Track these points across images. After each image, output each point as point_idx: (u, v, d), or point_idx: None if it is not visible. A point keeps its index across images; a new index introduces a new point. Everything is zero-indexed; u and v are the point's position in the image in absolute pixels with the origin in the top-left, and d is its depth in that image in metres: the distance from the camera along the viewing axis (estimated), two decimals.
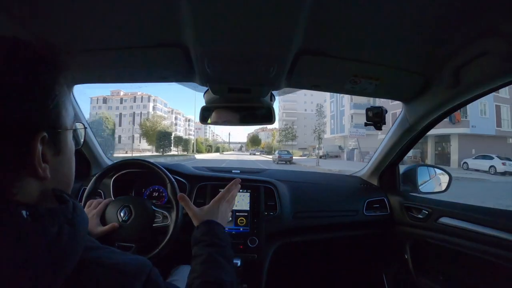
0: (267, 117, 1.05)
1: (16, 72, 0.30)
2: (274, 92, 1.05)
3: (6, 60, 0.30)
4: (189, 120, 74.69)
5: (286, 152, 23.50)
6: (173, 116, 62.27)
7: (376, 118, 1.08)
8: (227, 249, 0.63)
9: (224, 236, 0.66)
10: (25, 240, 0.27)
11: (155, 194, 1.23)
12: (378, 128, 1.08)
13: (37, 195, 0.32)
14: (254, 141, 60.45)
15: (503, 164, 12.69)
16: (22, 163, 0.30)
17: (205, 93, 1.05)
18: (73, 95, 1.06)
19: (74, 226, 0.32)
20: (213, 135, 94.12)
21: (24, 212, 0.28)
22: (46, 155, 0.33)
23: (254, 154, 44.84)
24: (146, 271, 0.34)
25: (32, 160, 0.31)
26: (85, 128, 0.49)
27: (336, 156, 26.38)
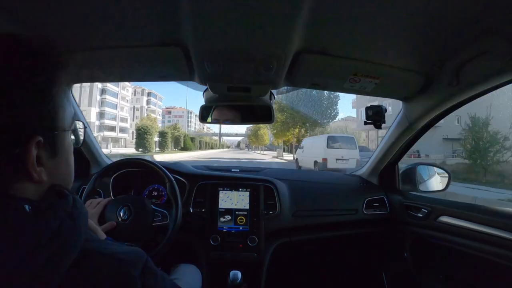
0: (267, 116, 1.05)
1: (10, 72, 0.29)
2: (274, 91, 1.05)
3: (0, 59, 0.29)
4: (148, 94, 50.30)
5: None
6: None
7: (376, 117, 1.08)
8: None
9: None
10: (28, 233, 0.27)
11: (155, 193, 1.23)
12: (378, 127, 1.07)
13: (35, 195, 0.32)
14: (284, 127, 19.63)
15: None
16: (16, 168, 0.30)
17: (204, 91, 1.05)
18: (72, 94, 1.06)
19: (74, 220, 0.32)
20: (201, 126, 71.23)
21: (26, 206, 0.29)
22: (42, 158, 0.32)
23: None
24: (143, 260, 0.35)
25: (26, 165, 0.30)
26: (85, 127, 0.48)
27: None
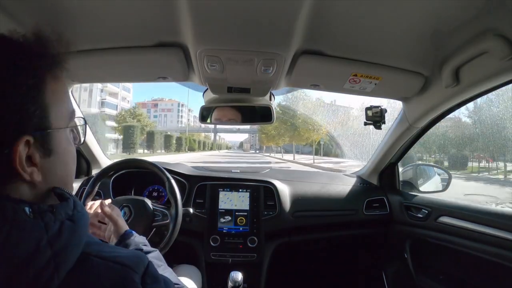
0: (267, 116, 1.06)
1: None
2: (274, 91, 1.05)
3: None
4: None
5: None
6: None
7: (375, 117, 1.08)
8: (158, 252, 0.63)
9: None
10: (28, 236, 0.27)
11: (155, 194, 1.23)
12: (378, 127, 1.07)
13: (32, 196, 0.32)
14: None
15: None
16: (7, 168, 0.29)
17: (204, 92, 1.05)
18: (72, 94, 1.05)
19: (75, 222, 0.32)
20: (196, 122, 51.55)
21: (27, 209, 0.29)
22: (34, 157, 0.31)
23: None
24: (145, 264, 0.35)
25: (14, 165, 0.29)
26: (85, 124, 0.46)
27: None
